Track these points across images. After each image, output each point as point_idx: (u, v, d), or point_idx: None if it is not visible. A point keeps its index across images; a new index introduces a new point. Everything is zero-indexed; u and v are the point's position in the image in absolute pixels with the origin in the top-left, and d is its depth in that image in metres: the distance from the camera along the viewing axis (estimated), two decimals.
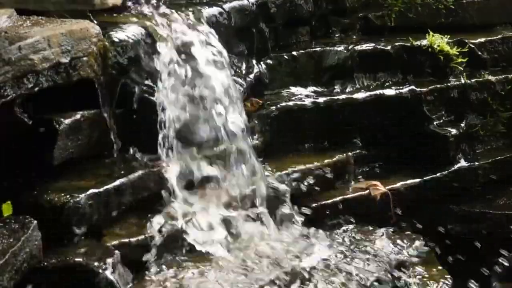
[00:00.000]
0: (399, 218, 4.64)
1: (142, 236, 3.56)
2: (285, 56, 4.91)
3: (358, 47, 5.07)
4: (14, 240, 3.11)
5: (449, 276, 4.34)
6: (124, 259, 3.42)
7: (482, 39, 5.45)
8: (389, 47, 5.13)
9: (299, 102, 4.72)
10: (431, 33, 5.21)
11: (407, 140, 4.97)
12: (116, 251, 3.39)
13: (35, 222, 3.23)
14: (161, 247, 3.61)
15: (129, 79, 3.82)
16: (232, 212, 3.94)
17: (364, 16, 5.40)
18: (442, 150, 4.99)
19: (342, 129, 4.81)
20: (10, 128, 3.46)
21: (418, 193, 4.83)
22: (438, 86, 5.13)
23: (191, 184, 3.89)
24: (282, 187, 4.24)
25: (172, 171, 3.80)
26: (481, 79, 5.31)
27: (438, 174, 4.93)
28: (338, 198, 4.50)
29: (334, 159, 4.63)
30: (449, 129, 5.02)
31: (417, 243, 4.39)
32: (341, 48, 5.04)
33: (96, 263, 3.28)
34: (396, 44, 5.17)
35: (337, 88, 4.97)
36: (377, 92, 4.95)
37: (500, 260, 4.89)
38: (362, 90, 4.96)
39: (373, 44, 5.13)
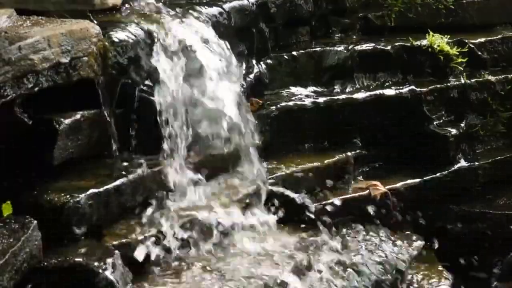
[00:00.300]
0: (399, 218, 4.64)
1: (142, 236, 3.56)
2: (285, 56, 4.91)
3: (358, 47, 5.07)
4: (14, 240, 3.11)
5: (449, 276, 4.34)
6: (124, 259, 3.42)
7: (482, 39, 5.45)
8: (389, 47, 5.14)
9: (299, 102, 4.72)
10: (431, 33, 5.22)
11: (407, 140, 4.97)
12: (116, 251, 3.39)
13: (35, 222, 3.22)
14: (162, 246, 3.61)
15: (129, 79, 3.82)
16: (235, 211, 3.94)
17: (364, 16, 5.41)
18: (442, 150, 4.99)
19: (342, 129, 4.81)
20: (10, 128, 3.45)
21: (418, 193, 4.83)
22: (438, 86, 5.13)
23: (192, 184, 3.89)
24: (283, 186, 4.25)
25: (172, 170, 3.80)
26: (481, 79, 5.31)
27: (438, 174, 4.93)
28: (338, 198, 4.50)
29: (334, 159, 4.63)
30: (449, 129, 5.03)
31: (417, 243, 4.39)
32: (341, 48, 5.04)
33: (96, 263, 3.27)
34: (396, 44, 5.17)
35: (337, 88, 4.97)
36: (377, 92, 4.95)
37: (500, 260, 4.90)
38: (362, 90, 4.96)
39: (373, 44, 5.14)
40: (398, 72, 5.17)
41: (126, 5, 4.17)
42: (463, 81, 5.21)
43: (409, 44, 5.18)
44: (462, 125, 5.13)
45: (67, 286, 3.27)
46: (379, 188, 4.63)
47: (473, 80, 5.27)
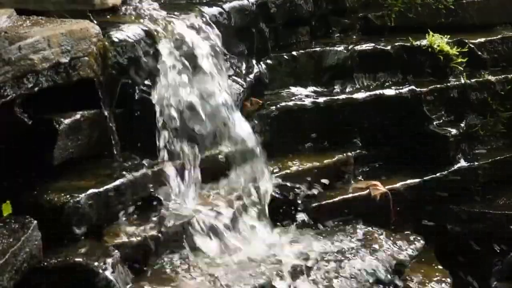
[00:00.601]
0: (399, 218, 4.64)
1: (142, 236, 3.56)
2: (285, 56, 4.91)
3: (358, 47, 5.07)
4: (14, 240, 3.11)
5: (449, 276, 4.34)
6: (124, 259, 3.42)
7: (482, 39, 5.45)
8: (389, 47, 5.14)
9: (299, 102, 4.72)
10: (431, 33, 5.22)
11: (407, 140, 4.97)
12: (116, 251, 3.39)
13: (35, 222, 3.23)
14: (161, 247, 3.61)
15: (129, 79, 3.82)
16: (234, 211, 3.94)
17: (364, 16, 5.40)
18: (442, 150, 4.99)
19: (342, 129, 4.81)
20: (10, 128, 3.45)
21: (418, 193, 4.83)
22: (438, 86, 5.13)
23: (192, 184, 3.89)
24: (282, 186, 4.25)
25: (172, 170, 3.80)
26: (481, 79, 5.31)
27: (438, 174, 4.93)
28: (338, 198, 4.50)
29: (334, 159, 4.63)
30: (449, 129, 5.02)
31: (417, 243, 4.39)
32: (341, 48, 5.04)
33: (96, 263, 3.28)
34: (396, 44, 5.17)
35: (337, 88, 4.97)
36: (377, 92, 4.95)
37: (500, 260, 4.90)
38: (362, 90, 4.96)
39: (373, 44, 5.14)
40: (398, 72, 5.16)
41: (126, 5, 4.17)
42: (463, 81, 5.21)
43: (409, 44, 5.18)
44: (462, 125, 5.13)
45: (67, 286, 3.28)
46: (379, 188, 4.63)
47: (473, 80, 5.27)
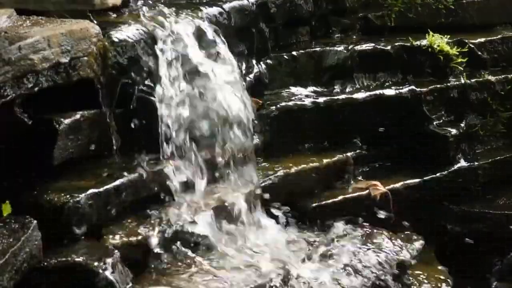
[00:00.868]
0: (399, 218, 4.64)
1: (142, 236, 3.56)
2: (285, 56, 4.91)
3: (358, 47, 5.07)
4: (14, 240, 3.11)
5: (449, 276, 4.34)
6: (124, 259, 3.42)
7: (482, 39, 5.45)
8: (389, 47, 5.13)
9: (299, 102, 4.72)
10: (431, 33, 5.21)
11: (407, 140, 4.97)
12: (116, 251, 3.39)
13: (35, 222, 3.23)
14: (161, 247, 3.61)
15: (129, 79, 3.82)
16: (234, 211, 3.94)
17: (364, 16, 5.40)
18: (442, 150, 4.99)
19: (342, 129, 4.81)
20: (10, 128, 3.45)
21: (418, 193, 4.82)
22: (438, 86, 5.13)
23: (192, 184, 3.89)
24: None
25: (173, 170, 3.79)
26: (481, 79, 5.30)
27: (438, 174, 4.93)
28: (338, 198, 4.50)
29: (334, 159, 4.63)
30: (449, 129, 5.02)
31: (417, 243, 4.39)
32: (341, 48, 5.04)
33: (96, 263, 3.28)
34: (396, 44, 5.17)
35: (337, 88, 4.96)
36: (377, 92, 4.95)
37: (500, 260, 4.90)
38: (362, 90, 4.95)
39: (373, 44, 5.13)
40: (398, 72, 5.16)
41: (126, 5, 4.18)
42: (463, 81, 5.21)
43: (409, 44, 5.18)
44: (462, 125, 5.12)
45: (67, 286, 3.28)
46: (379, 188, 4.62)
47: (473, 80, 5.26)
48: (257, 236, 3.97)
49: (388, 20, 5.41)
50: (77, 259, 3.29)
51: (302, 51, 4.97)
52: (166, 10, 4.16)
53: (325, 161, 4.58)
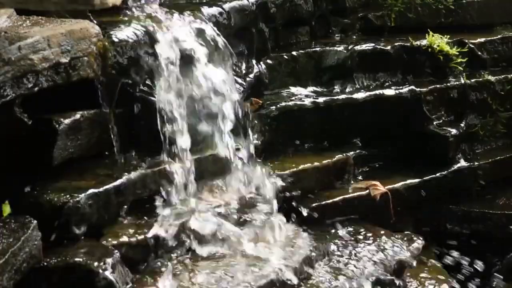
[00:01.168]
0: (399, 218, 4.64)
1: (142, 236, 3.56)
2: (285, 56, 4.91)
3: (358, 47, 5.07)
4: (14, 240, 3.11)
5: (449, 276, 4.34)
6: (124, 259, 3.42)
7: (482, 39, 5.45)
8: (389, 47, 5.13)
9: (299, 102, 4.72)
10: (431, 33, 5.22)
11: (407, 140, 4.97)
12: (116, 251, 3.39)
13: (35, 222, 3.23)
14: (161, 247, 3.61)
15: (129, 79, 3.82)
16: (234, 211, 3.94)
17: (364, 16, 5.40)
18: (442, 150, 4.99)
19: (342, 129, 4.81)
20: (10, 128, 3.45)
21: (418, 193, 4.82)
22: (438, 86, 5.13)
23: (192, 183, 3.89)
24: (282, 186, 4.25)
25: (173, 170, 3.79)
26: (481, 79, 5.31)
27: (438, 174, 4.93)
28: (338, 198, 4.50)
29: (334, 159, 4.63)
30: (449, 129, 5.02)
31: (417, 243, 4.39)
32: (341, 48, 5.04)
33: (96, 263, 3.28)
34: (396, 44, 5.17)
35: (337, 88, 4.97)
36: (377, 92, 4.95)
37: (500, 260, 4.90)
38: (362, 90, 4.95)
39: (372, 44, 5.13)
40: (398, 72, 5.16)
41: (126, 5, 4.17)
42: (463, 81, 5.21)
43: (409, 44, 5.18)
44: (462, 125, 5.13)
45: (67, 286, 3.28)
46: (379, 188, 4.63)
47: (473, 80, 5.27)
48: (256, 236, 3.96)
49: (388, 20, 5.42)
50: (77, 259, 3.29)
51: (302, 51, 4.97)
52: (166, 10, 4.17)
53: (325, 161, 4.58)
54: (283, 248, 3.92)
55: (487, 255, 4.89)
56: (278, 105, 4.62)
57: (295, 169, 4.42)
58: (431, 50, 5.18)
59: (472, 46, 5.35)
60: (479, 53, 5.40)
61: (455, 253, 4.76)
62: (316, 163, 4.53)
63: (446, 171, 4.97)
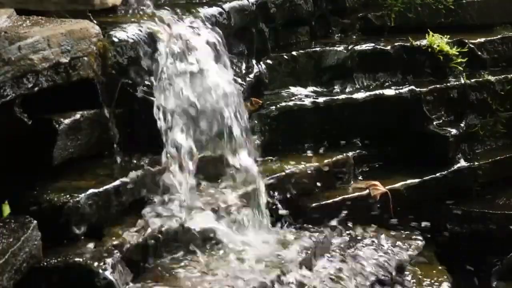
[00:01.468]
0: (399, 218, 4.64)
1: (142, 236, 3.56)
2: (285, 56, 4.91)
3: (358, 47, 5.07)
4: (14, 240, 3.11)
5: (449, 276, 4.34)
6: (124, 259, 3.42)
7: (482, 39, 5.45)
8: (388, 47, 5.14)
9: (299, 102, 4.72)
10: (430, 33, 5.22)
11: (407, 140, 4.97)
12: (116, 251, 3.39)
13: (35, 222, 3.23)
14: (161, 247, 3.61)
15: (129, 79, 3.82)
16: (233, 211, 3.94)
17: (364, 16, 5.41)
18: (442, 150, 4.99)
19: (342, 129, 4.81)
20: (10, 128, 3.45)
21: (418, 193, 4.83)
22: (438, 86, 5.13)
23: (192, 183, 3.89)
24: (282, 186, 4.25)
25: (173, 170, 3.79)
26: (480, 79, 5.31)
27: (438, 174, 4.93)
28: (338, 198, 4.50)
29: (334, 159, 4.63)
30: (449, 129, 5.02)
31: (417, 243, 4.39)
32: (341, 48, 5.05)
33: (96, 263, 3.28)
34: (396, 44, 5.17)
35: (337, 88, 4.97)
36: (377, 92, 4.95)
37: (500, 260, 4.90)
38: (362, 90, 4.96)
39: (372, 44, 5.14)
40: (398, 72, 5.16)
41: (126, 5, 4.18)
42: (463, 81, 5.21)
43: (408, 44, 5.18)
44: (462, 125, 5.13)
45: (67, 286, 3.28)
46: (379, 188, 4.63)
47: (473, 80, 5.27)
48: (256, 236, 3.96)
49: (388, 20, 5.42)
50: (77, 259, 3.29)
51: (302, 51, 4.97)
52: (166, 10, 4.17)
53: (325, 161, 4.58)
54: (283, 248, 3.92)
55: (487, 255, 4.89)
56: (278, 105, 4.62)
57: (295, 169, 4.42)
58: (431, 50, 5.18)
59: (472, 46, 5.35)
60: (479, 53, 5.40)
61: (455, 253, 4.76)
62: (316, 163, 4.53)
63: (446, 171, 4.97)
